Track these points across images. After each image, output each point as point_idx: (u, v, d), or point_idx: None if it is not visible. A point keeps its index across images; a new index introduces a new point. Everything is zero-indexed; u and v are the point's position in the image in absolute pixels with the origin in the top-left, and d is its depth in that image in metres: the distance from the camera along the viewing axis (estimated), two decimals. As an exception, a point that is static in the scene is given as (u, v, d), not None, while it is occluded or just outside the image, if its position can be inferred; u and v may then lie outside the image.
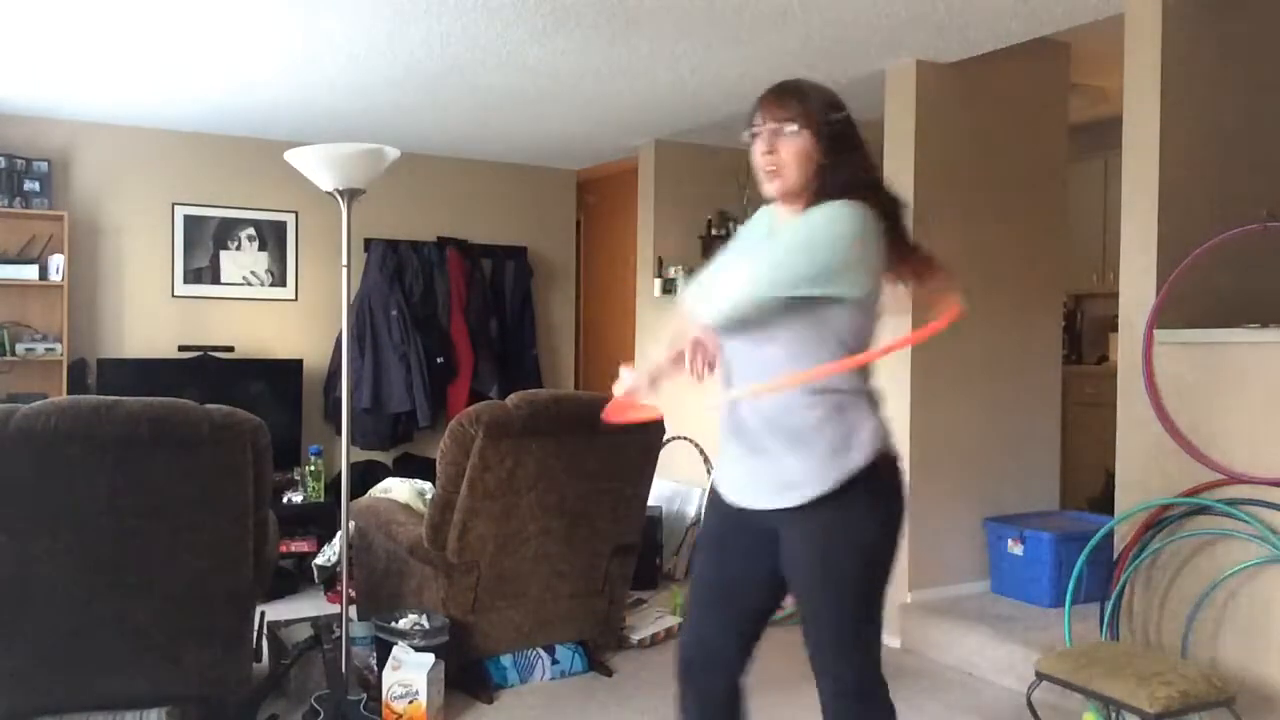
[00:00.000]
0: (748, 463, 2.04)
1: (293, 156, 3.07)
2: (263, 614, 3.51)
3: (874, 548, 2.01)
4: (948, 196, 4.20)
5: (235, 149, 5.82)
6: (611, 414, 2.17)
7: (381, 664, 3.30)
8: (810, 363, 1.94)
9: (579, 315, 7.31)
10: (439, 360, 6.13)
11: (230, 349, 5.77)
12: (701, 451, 5.27)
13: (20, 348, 5.19)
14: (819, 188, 1.98)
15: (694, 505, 5.22)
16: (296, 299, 6.05)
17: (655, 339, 5.75)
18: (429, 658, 3.23)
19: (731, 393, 2.06)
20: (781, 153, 1.99)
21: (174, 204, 5.72)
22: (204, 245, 5.81)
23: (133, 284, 5.64)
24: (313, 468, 5.06)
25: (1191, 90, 3.28)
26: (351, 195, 3.11)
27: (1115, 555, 3.29)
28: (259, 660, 3.45)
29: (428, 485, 4.20)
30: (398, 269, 6.11)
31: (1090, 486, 5.19)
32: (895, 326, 2.21)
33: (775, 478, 1.99)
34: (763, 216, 2.17)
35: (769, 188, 2.04)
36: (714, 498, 2.15)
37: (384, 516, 3.82)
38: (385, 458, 6.19)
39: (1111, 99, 4.78)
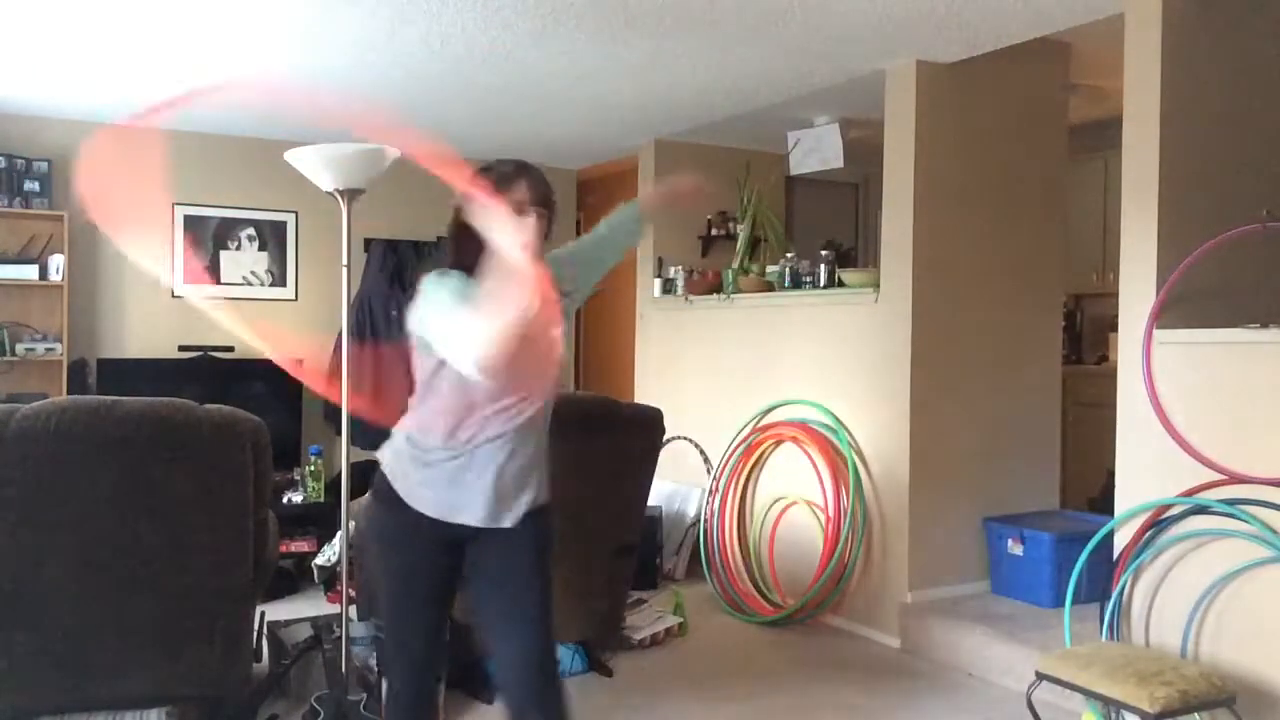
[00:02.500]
0: (502, 483, 2.20)
1: (293, 156, 3.07)
2: (263, 614, 3.51)
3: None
4: (948, 196, 4.20)
5: (235, 149, 5.82)
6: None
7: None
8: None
9: (579, 315, 7.30)
10: (439, 360, 6.13)
11: (230, 349, 5.76)
12: (701, 451, 5.27)
13: (20, 348, 5.19)
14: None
15: (694, 505, 5.22)
16: (296, 299, 6.05)
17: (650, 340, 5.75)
18: (429, 658, 3.23)
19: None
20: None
21: (174, 204, 5.72)
22: (204, 245, 5.81)
23: (133, 284, 5.64)
24: (313, 468, 5.06)
25: (1191, 90, 3.28)
26: (351, 195, 3.11)
27: (1115, 555, 3.29)
28: (259, 660, 3.45)
29: (428, 485, 4.19)
30: (398, 269, 6.11)
31: (1090, 486, 5.19)
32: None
33: (526, 495, 2.24)
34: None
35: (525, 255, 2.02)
36: (414, 523, 2.21)
37: (384, 516, 3.82)
38: (385, 458, 6.19)
39: (1111, 99, 4.78)
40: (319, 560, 4.40)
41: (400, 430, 2.27)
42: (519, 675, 2.25)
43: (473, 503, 2.20)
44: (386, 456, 2.29)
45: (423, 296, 2.16)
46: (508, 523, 2.22)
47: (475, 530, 2.21)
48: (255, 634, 3.21)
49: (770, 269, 4.99)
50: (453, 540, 2.23)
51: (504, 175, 2.26)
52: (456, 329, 2.02)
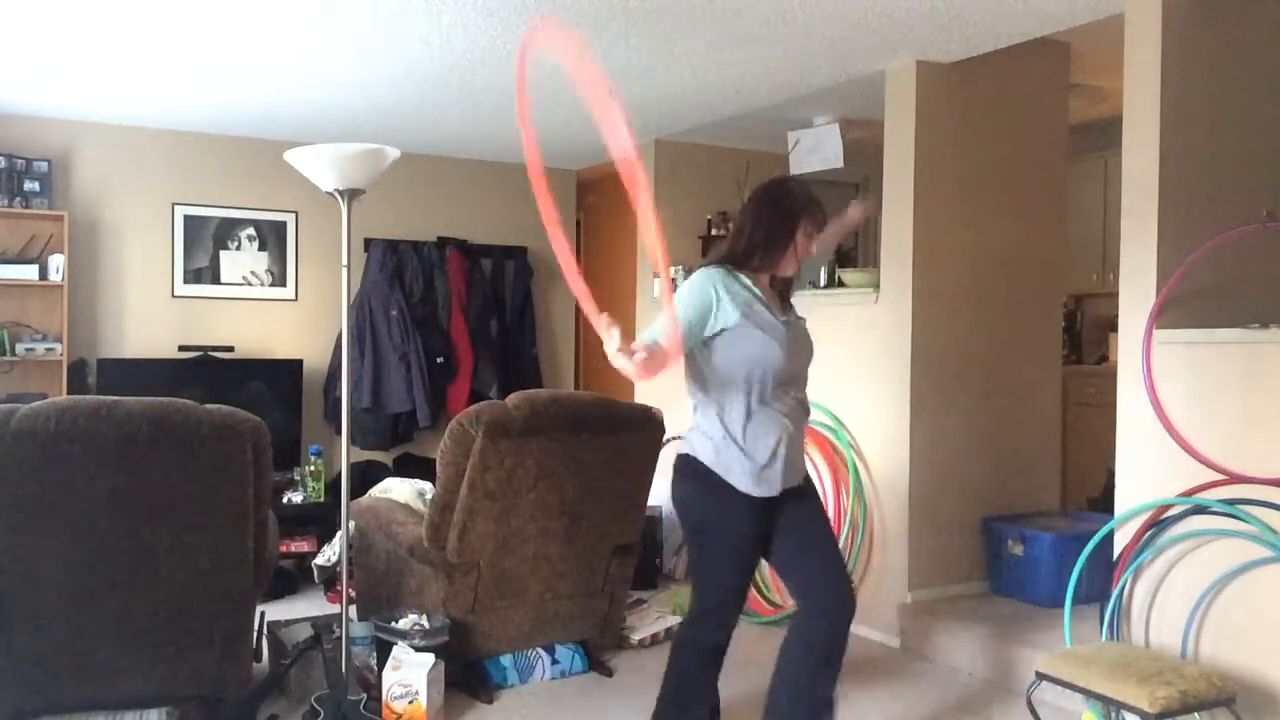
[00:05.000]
0: (790, 456, 2.64)
1: (293, 156, 3.07)
2: (263, 614, 3.51)
3: None
4: (948, 196, 4.20)
5: (235, 149, 5.82)
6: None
7: (381, 664, 3.30)
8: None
9: (579, 315, 7.31)
10: (439, 360, 6.13)
11: (230, 349, 5.77)
12: (701, 451, 5.26)
13: (20, 348, 5.19)
14: None
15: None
16: (296, 299, 6.05)
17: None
18: (429, 658, 3.23)
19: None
20: None
21: (174, 204, 5.72)
22: (204, 245, 5.81)
23: (133, 284, 5.64)
24: (313, 468, 5.06)
25: (1191, 90, 3.28)
26: (351, 195, 3.11)
27: (1115, 555, 3.29)
28: (259, 660, 3.45)
29: (428, 485, 4.20)
30: (398, 269, 6.12)
31: (1090, 486, 5.19)
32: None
33: (800, 464, 2.74)
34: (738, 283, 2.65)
35: (792, 269, 2.72)
36: (743, 501, 2.62)
37: (384, 516, 3.83)
38: (385, 458, 6.19)
39: (1111, 99, 4.78)
40: (319, 560, 4.40)
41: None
42: None
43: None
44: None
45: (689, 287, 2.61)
46: None
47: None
48: (255, 634, 3.21)
49: (770, 269, 4.98)
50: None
51: (808, 201, 2.69)
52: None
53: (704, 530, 2.70)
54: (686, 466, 2.69)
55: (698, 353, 2.61)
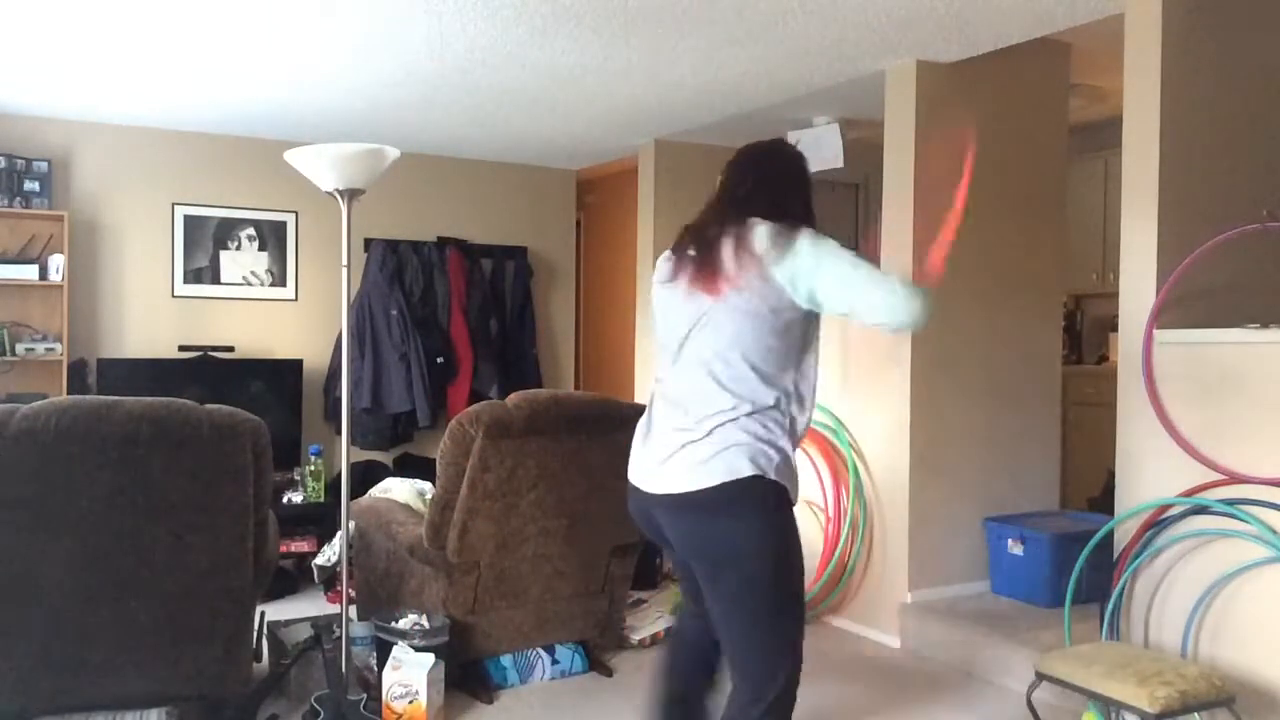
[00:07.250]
0: None
1: (293, 156, 3.08)
2: (263, 614, 3.51)
3: None
4: (947, 197, 4.19)
5: (235, 149, 5.82)
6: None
7: (381, 664, 3.30)
8: None
9: (579, 315, 7.31)
10: (439, 360, 6.13)
11: (230, 349, 5.77)
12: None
13: (20, 348, 5.19)
14: None
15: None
16: (296, 299, 6.05)
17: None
18: (429, 658, 3.23)
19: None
20: None
21: (174, 204, 5.72)
22: (204, 245, 5.81)
23: (133, 284, 5.64)
24: (313, 468, 5.06)
25: (1191, 90, 3.28)
26: (351, 195, 3.11)
27: (1115, 555, 3.29)
28: (259, 660, 3.46)
29: (428, 485, 4.20)
30: (398, 269, 6.12)
31: (1090, 486, 5.19)
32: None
33: None
34: None
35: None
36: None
37: (384, 516, 3.83)
38: (385, 458, 6.19)
39: (1111, 99, 4.79)
40: (319, 560, 4.40)
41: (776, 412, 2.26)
42: None
43: None
44: (775, 458, 2.27)
45: (820, 251, 2.22)
46: None
47: None
48: (255, 634, 3.21)
49: (770, 269, 4.98)
50: None
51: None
52: (891, 288, 2.19)
53: (782, 562, 2.30)
54: (756, 493, 2.26)
55: (784, 327, 2.26)
